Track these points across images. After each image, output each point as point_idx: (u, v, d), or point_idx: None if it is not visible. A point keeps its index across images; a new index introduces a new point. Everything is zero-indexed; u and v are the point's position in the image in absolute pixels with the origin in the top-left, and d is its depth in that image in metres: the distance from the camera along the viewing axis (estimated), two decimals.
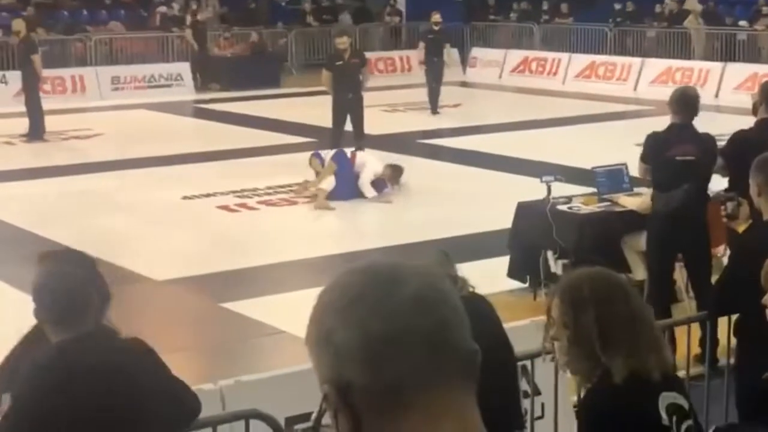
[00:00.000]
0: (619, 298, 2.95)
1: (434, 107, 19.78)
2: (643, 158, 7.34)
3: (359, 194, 12.51)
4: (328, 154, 12.97)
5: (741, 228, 5.25)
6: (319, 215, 12.06)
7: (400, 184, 12.84)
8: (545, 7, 28.74)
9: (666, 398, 2.89)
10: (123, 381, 3.30)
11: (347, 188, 12.46)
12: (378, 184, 12.62)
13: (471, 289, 3.90)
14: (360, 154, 13.08)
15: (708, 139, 7.23)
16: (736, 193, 5.33)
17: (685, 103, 7.20)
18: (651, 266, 7.52)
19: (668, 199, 7.08)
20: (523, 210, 8.80)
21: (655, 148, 7.20)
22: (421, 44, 20.05)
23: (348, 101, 14.26)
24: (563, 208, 8.53)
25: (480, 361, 1.46)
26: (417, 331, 1.42)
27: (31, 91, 17.20)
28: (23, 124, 17.31)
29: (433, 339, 1.42)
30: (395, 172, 12.79)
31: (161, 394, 3.43)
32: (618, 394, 2.85)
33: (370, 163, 12.77)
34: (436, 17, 19.87)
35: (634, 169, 8.72)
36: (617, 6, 27.35)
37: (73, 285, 3.47)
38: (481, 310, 3.85)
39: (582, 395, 2.92)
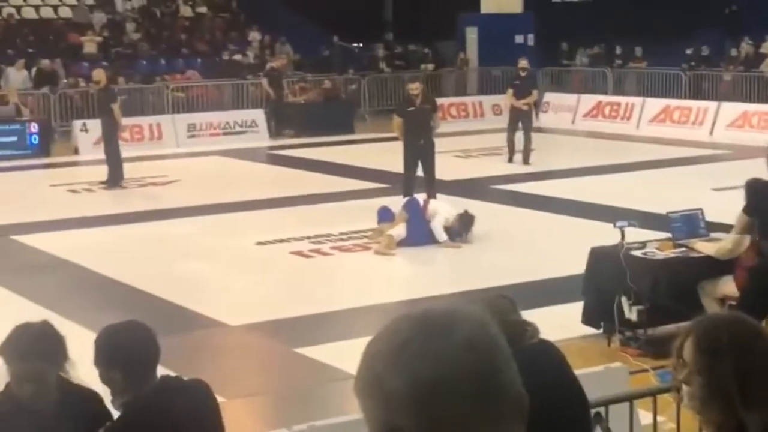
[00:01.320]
0: (759, 348, 2.78)
1: (527, 157, 19.12)
2: (749, 210, 7.04)
3: (431, 239, 12.51)
4: (398, 205, 13.00)
5: None
6: (391, 261, 12.07)
7: (471, 233, 12.68)
8: (618, 51, 28.65)
9: None
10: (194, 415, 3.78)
11: (418, 235, 12.45)
12: (450, 231, 12.58)
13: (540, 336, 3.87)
14: (432, 203, 13.03)
15: None
16: None
17: None
18: None
19: None
20: (597, 255, 8.74)
21: (764, 196, 7.01)
22: (510, 90, 19.76)
23: (419, 147, 14.32)
24: (637, 253, 8.46)
25: (527, 405, 1.46)
26: (467, 375, 1.41)
27: (110, 138, 17.56)
28: (102, 171, 17.69)
29: (483, 383, 1.42)
30: (465, 221, 12.61)
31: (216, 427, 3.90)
32: None
33: (443, 210, 12.72)
34: (524, 63, 19.82)
35: (710, 214, 8.63)
36: (692, 50, 27.18)
37: (152, 343, 3.82)
38: (551, 357, 3.82)
39: None
